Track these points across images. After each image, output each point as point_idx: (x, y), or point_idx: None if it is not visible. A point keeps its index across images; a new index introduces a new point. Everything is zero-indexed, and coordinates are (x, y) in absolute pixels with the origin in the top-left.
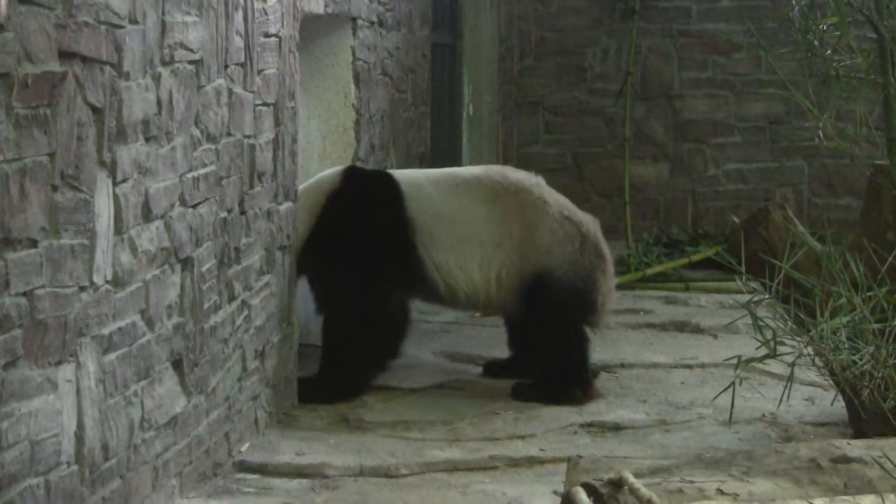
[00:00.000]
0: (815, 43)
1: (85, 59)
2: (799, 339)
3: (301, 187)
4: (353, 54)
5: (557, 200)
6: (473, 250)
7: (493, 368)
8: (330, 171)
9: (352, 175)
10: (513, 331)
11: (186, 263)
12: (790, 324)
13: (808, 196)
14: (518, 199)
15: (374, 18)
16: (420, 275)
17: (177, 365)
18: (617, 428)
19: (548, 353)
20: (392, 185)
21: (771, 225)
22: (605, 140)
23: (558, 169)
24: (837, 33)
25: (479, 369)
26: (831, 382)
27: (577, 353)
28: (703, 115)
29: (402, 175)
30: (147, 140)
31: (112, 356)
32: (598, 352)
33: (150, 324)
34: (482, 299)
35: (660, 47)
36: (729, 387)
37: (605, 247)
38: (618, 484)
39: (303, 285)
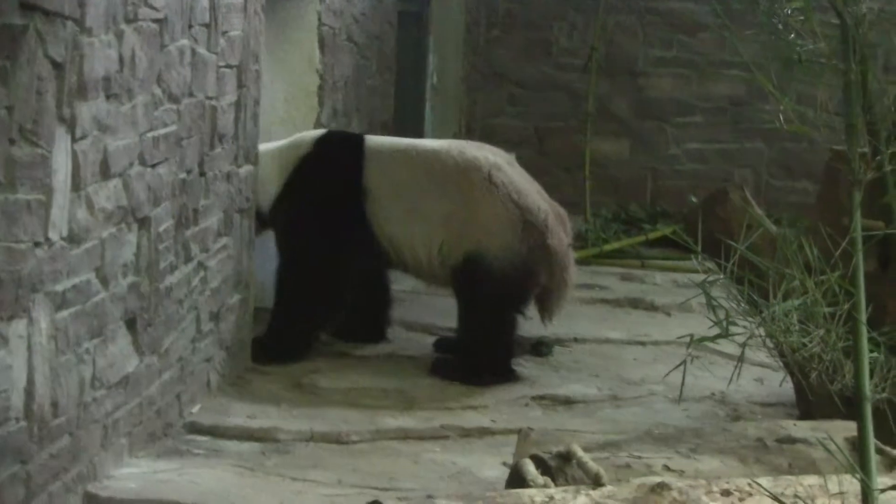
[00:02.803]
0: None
1: (47, 13)
2: (751, 320)
3: (276, 145)
4: (319, 19)
5: (512, 183)
6: (419, 224)
7: (444, 345)
8: (309, 133)
9: (325, 139)
10: None
11: (144, 223)
12: (743, 304)
13: (766, 178)
14: (465, 178)
15: None
16: (372, 243)
17: (130, 324)
18: (568, 402)
19: (471, 334)
20: (356, 153)
21: (729, 206)
22: (569, 115)
23: (521, 142)
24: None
25: (434, 339)
26: (781, 364)
27: (500, 338)
28: (667, 94)
29: (372, 142)
30: (108, 97)
31: (65, 313)
32: (553, 326)
33: (104, 282)
34: (427, 273)
35: (626, 24)
36: (680, 365)
37: (554, 238)
38: (566, 457)
39: (261, 249)
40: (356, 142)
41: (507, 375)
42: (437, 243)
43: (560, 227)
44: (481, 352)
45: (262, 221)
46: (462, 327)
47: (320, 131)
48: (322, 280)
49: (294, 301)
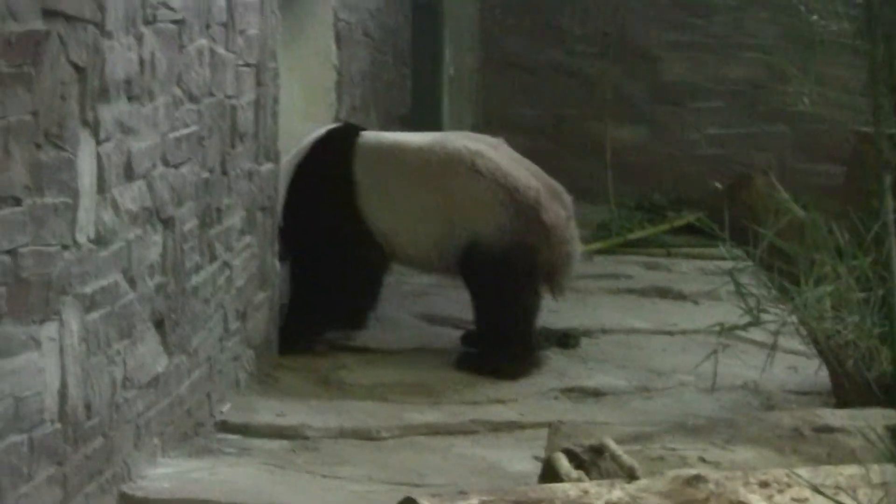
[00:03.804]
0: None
1: (68, 18)
2: (782, 307)
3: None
4: (335, 15)
5: (498, 167)
6: (409, 218)
7: (471, 339)
8: (314, 132)
9: (323, 138)
10: None
11: (168, 223)
12: (773, 291)
13: (789, 162)
14: (449, 170)
15: None
16: (368, 238)
17: (158, 324)
18: (597, 394)
19: (484, 322)
20: (346, 149)
21: (754, 191)
22: (584, 102)
23: (537, 130)
24: None
25: (460, 332)
26: (815, 351)
27: (514, 321)
28: (683, 78)
29: (365, 138)
30: (129, 99)
31: (94, 315)
32: (579, 317)
33: (132, 283)
34: (427, 265)
35: (639, 8)
36: (711, 354)
37: (549, 214)
38: (599, 450)
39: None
40: (350, 138)
41: (528, 359)
42: (429, 235)
43: (555, 202)
44: (500, 338)
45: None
46: (476, 317)
47: (324, 129)
48: (332, 277)
49: (299, 298)
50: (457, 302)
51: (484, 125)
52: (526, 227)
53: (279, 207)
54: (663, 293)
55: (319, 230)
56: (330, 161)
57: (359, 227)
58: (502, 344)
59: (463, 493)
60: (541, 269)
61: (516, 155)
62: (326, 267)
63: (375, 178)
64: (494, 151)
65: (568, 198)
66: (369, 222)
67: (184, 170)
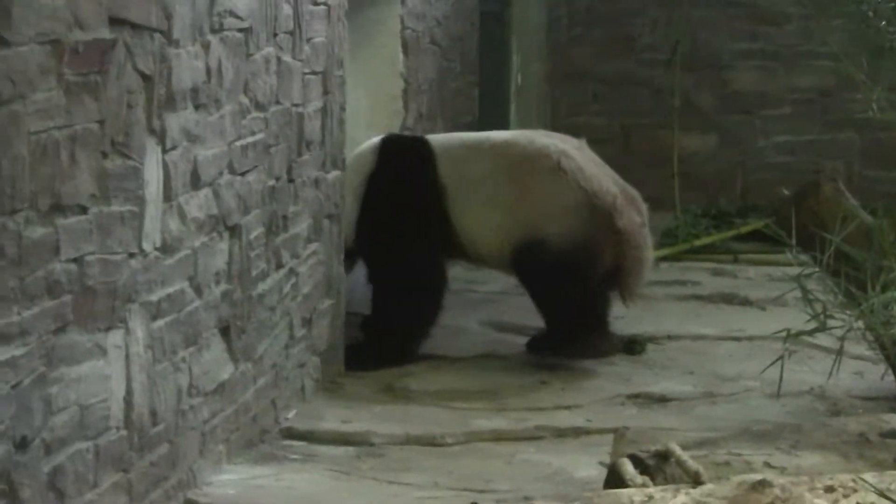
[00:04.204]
0: (870, 14)
1: (135, 26)
2: (849, 312)
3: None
4: (402, 23)
5: (580, 168)
6: (493, 214)
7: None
8: (366, 145)
9: (387, 146)
10: None
11: (234, 231)
12: (840, 297)
13: (858, 169)
14: (534, 165)
15: None
16: (453, 239)
17: (224, 332)
18: (663, 399)
19: (547, 317)
20: (426, 152)
21: (821, 197)
22: (653, 111)
23: (606, 140)
24: (892, 4)
25: (525, 339)
26: (881, 356)
27: (572, 316)
28: (752, 87)
29: (438, 140)
30: (196, 108)
31: (160, 322)
32: (645, 323)
33: (198, 291)
34: (500, 263)
35: (709, 17)
36: (777, 360)
37: (623, 220)
38: (664, 456)
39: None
40: (420, 143)
41: (602, 344)
42: (505, 231)
43: (632, 209)
44: (568, 329)
45: (349, 253)
46: (542, 315)
47: (375, 140)
48: (415, 286)
49: (392, 311)
50: (523, 309)
51: None
52: (596, 231)
53: (349, 235)
54: (730, 299)
55: (412, 238)
56: (407, 169)
57: (445, 229)
58: (565, 332)
59: (528, 500)
60: (599, 272)
61: (597, 158)
62: (414, 277)
63: (464, 176)
64: (579, 153)
65: (643, 205)
66: (455, 222)
67: (250, 178)
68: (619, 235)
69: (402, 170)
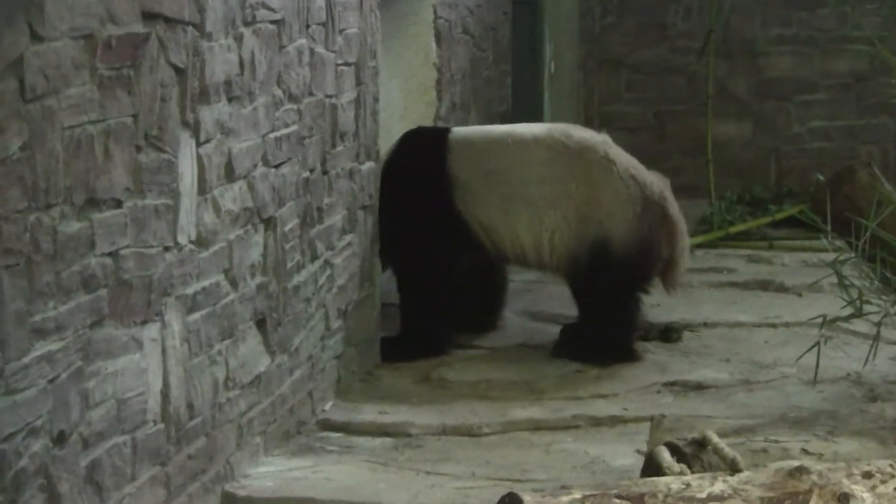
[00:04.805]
0: None
1: (167, 20)
2: (885, 298)
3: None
4: (434, 13)
5: (624, 160)
6: (520, 210)
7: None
8: (395, 143)
9: (407, 137)
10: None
11: (269, 223)
12: (876, 283)
13: (893, 154)
14: (582, 158)
15: None
16: (465, 233)
17: (260, 324)
18: (699, 387)
19: (595, 316)
20: (439, 144)
21: (857, 183)
22: (688, 98)
23: (640, 127)
24: None
25: (560, 328)
26: None
27: (625, 318)
28: (787, 73)
29: (458, 133)
30: (230, 100)
31: (196, 315)
32: (681, 311)
33: (233, 283)
34: (532, 260)
35: (743, 4)
36: (814, 346)
37: (672, 209)
38: (701, 444)
39: None
40: (438, 135)
41: (629, 355)
42: (546, 228)
43: (671, 197)
44: (605, 332)
45: None
46: (584, 310)
47: (399, 138)
48: (432, 278)
49: (418, 302)
50: (558, 298)
51: (585, 123)
52: (651, 225)
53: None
54: (765, 286)
55: (419, 231)
56: (418, 159)
57: (455, 221)
58: (607, 337)
59: (566, 489)
60: (658, 268)
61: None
62: (434, 269)
63: (477, 170)
64: (615, 145)
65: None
66: (467, 215)
67: (284, 170)
68: (670, 226)
69: (415, 160)
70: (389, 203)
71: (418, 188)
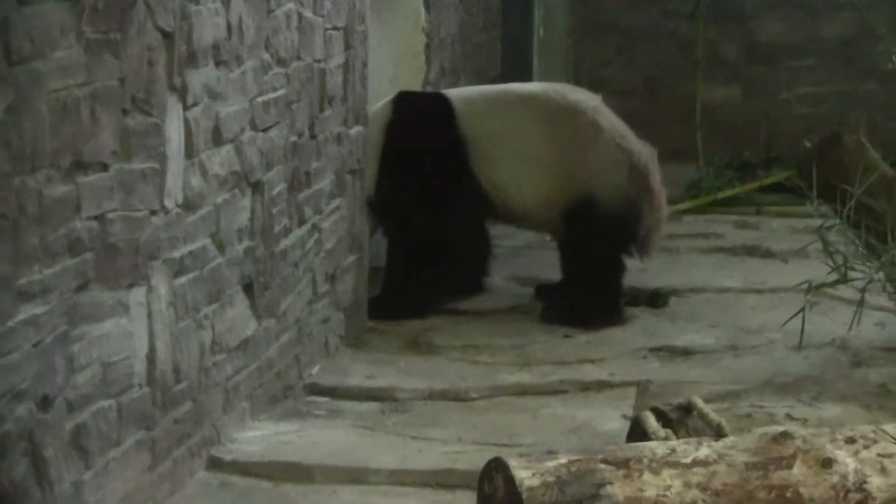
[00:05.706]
0: None
1: None
2: (870, 264)
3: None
4: None
5: (613, 125)
6: (526, 168)
7: (544, 291)
8: (381, 104)
9: (403, 101)
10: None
11: (257, 187)
12: (861, 249)
13: (880, 120)
14: (573, 120)
15: None
16: (477, 193)
17: (247, 288)
18: (686, 353)
19: (581, 278)
20: (444, 106)
21: (843, 150)
22: (678, 63)
23: (630, 92)
24: None
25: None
26: None
27: (610, 280)
28: (777, 38)
29: (456, 94)
30: (217, 64)
31: (183, 279)
32: (668, 276)
33: (220, 247)
34: (535, 219)
35: None
36: (799, 312)
37: (654, 179)
38: (687, 409)
39: None
40: (435, 96)
41: (617, 317)
42: (545, 186)
43: (656, 168)
44: (592, 295)
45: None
46: (570, 271)
47: (389, 98)
48: (436, 239)
49: (410, 261)
50: (548, 263)
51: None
52: (637, 191)
53: (370, 194)
54: (752, 251)
55: (429, 192)
56: (426, 122)
57: (468, 181)
58: (593, 297)
59: (552, 453)
60: (640, 233)
61: (617, 117)
62: (437, 229)
63: (487, 128)
64: (606, 110)
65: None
66: (480, 174)
67: (272, 134)
68: (651, 196)
69: (421, 122)
70: (394, 166)
71: (429, 150)
